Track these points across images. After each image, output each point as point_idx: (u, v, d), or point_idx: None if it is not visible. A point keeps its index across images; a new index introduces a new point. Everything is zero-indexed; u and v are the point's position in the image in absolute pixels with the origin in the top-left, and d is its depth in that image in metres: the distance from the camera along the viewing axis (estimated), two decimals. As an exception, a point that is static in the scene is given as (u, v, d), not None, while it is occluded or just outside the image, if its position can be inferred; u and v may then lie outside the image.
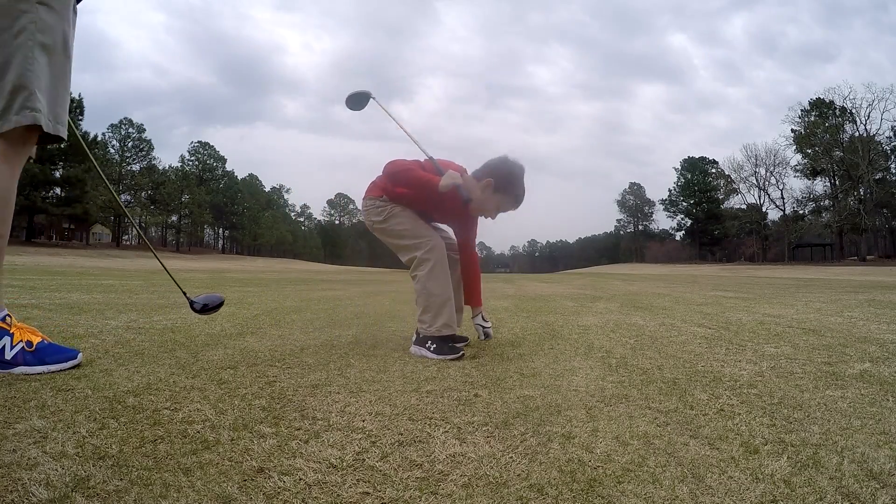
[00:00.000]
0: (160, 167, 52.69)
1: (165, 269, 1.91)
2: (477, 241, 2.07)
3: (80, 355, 1.39)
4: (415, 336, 1.82)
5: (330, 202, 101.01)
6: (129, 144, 49.84)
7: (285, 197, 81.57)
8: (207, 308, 1.63)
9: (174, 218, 53.87)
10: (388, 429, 0.96)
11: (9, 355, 1.29)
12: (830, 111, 43.91)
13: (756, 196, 52.83)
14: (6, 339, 1.30)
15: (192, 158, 60.01)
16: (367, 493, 0.71)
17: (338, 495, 0.70)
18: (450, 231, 2.03)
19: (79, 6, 1.35)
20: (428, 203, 1.88)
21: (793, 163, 48.73)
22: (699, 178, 64.37)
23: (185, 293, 1.67)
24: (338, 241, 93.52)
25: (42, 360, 1.31)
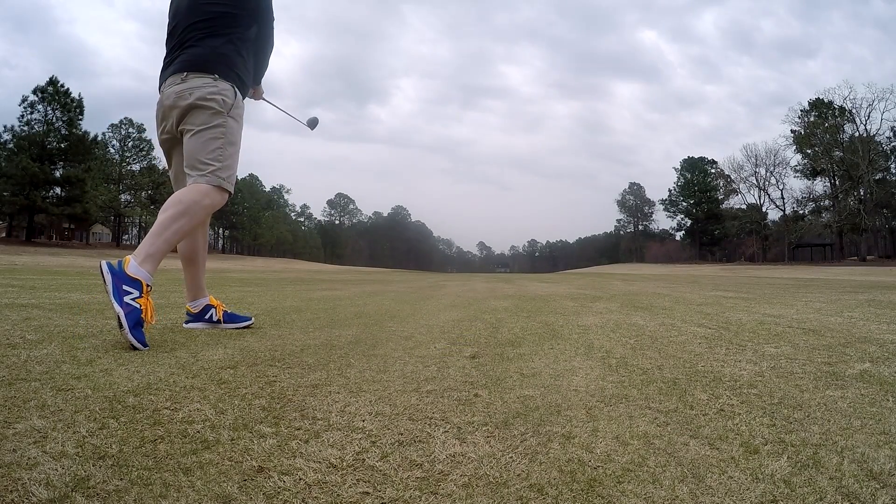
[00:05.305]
0: (160, 167, 52.64)
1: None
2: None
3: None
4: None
5: (330, 202, 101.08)
6: (130, 144, 49.70)
7: (285, 197, 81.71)
8: None
9: (174, 218, 53.72)
10: (388, 429, 0.96)
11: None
12: (830, 111, 43.92)
13: (756, 196, 52.95)
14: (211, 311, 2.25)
15: (193, 159, 59.90)
16: (367, 493, 0.71)
17: (338, 495, 0.70)
18: None
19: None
20: None
21: (793, 163, 48.84)
22: (699, 178, 64.41)
23: None
24: (338, 241, 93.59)
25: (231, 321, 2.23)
